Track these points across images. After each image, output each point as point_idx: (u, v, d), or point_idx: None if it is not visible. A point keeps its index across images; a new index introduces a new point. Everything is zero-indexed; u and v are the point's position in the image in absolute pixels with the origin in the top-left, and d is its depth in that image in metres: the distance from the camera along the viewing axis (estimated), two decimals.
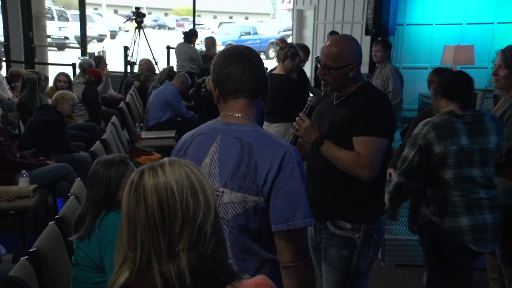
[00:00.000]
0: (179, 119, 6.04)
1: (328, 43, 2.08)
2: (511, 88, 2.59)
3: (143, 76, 7.31)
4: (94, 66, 6.64)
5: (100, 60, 7.31)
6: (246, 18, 36.01)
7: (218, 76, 1.50)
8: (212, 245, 1.00)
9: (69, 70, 6.99)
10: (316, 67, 7.00)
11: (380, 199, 2.12)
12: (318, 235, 2.18)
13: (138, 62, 8.06)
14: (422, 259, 2.48)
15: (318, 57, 2.08)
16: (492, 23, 7.07)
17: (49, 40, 11.94)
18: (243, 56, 1.49)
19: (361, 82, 2.09)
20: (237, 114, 1.50)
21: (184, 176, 1.01)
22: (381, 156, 1.99)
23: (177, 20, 31.40)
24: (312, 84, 6.33)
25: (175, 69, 7.75)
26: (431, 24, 7.26)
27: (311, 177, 2.17)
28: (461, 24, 7.15)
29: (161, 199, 0.98)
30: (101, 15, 26.72)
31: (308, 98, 2.17)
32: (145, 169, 1.02)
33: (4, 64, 7.56)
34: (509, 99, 2.58)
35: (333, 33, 7.40)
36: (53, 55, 11.52)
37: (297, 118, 2.09)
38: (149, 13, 28.46)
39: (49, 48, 11.35)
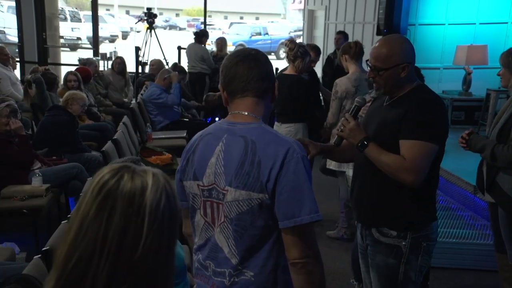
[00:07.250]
0: (187, 120, 6.06)
1: (377, 44, 1.99)
2: None
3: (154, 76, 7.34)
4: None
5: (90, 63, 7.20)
6: (257, 19, 36.02)
7: (225, 77, 1.52)
8: None
9: None
10: (324, 67, 7.00)
11: (430, 205, 2.02)
12: (364, 241, 2.12)
13: (149, 63, 8.10)
14: (441, 261, 2.46)
15: (368, 60, 2.02)
16: (506, 22, 6.98)
17: (62, 40, 12.04)
18: (250, 57, 1.52)
19: (416, 83, 2.00)
20: (244, 112, 1.51)
21: (164, 196, 0.79)
22: (428, 162, 1.88)
23: (188, 21, 31.53)
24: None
25: (186, 69, 7.78)
26: (444, 24, 7.19)
27: (357, 180, 2.11)
28: (474, 24, 7.07)
29: (127, 219, 0.76)
30: (113, 16, 26.95)
31: (356, 99, 2.09)
32: (124, 174, 0.80)
33: (18, 64, 7.64)
34: None
35: (340, 33, 7.37)
36: (65, 56, 11.62)
37: (342, 118, 2.04)
38: (161, 14, 28.65)
39: (62, 48, 11.46)
